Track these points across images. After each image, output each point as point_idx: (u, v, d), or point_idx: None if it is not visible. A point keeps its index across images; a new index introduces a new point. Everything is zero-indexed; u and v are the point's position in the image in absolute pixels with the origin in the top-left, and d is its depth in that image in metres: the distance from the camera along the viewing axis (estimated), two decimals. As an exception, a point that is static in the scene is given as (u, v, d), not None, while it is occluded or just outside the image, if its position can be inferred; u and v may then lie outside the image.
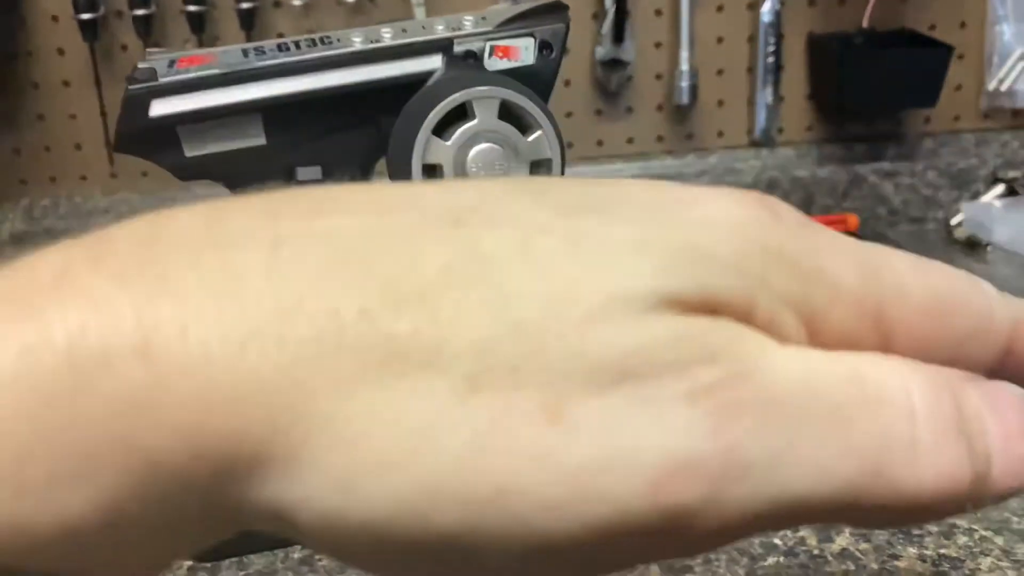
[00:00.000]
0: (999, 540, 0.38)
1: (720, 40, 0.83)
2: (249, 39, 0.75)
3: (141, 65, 0.42)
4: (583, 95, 0.83)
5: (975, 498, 0.16)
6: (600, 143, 0.84)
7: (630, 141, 0.84)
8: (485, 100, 0.41)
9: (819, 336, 0.16)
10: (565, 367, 0.14)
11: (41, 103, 0.78)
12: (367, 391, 0.14)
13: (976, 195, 0.83)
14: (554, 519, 0.14)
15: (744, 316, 0.15)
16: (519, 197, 0.16)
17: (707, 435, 0.14)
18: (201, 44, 0.76)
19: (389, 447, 0.14)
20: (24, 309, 0.14)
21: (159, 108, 0.42)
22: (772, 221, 0.17)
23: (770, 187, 0.82)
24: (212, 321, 0.14)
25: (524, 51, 0.45)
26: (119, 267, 0.14)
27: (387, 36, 0.44)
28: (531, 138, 0.41)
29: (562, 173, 0.42)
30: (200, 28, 0.76)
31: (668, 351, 0.14)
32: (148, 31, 0.75)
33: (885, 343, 0.17)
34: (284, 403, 0.14)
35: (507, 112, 0.41)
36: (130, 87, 0.41)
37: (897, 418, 0.16)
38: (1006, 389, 0.17)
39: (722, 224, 0.16)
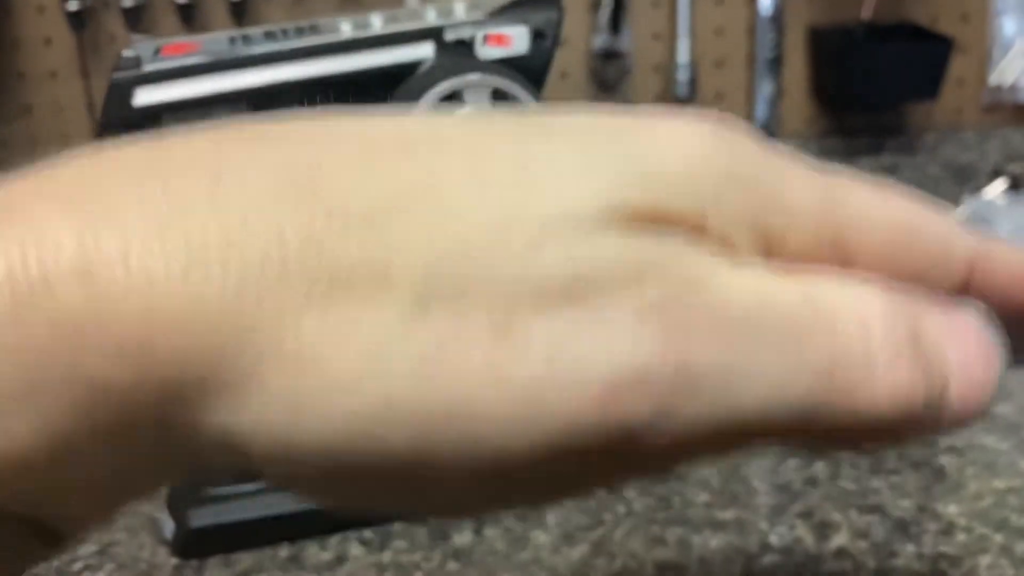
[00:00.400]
0: (998, 537, 0.37)
1: (719, 32, 0.82)
2: (240, 30, 0.74)
3: (125, 52, 0.42)
4: (580, 87, 0.82)
5: (932, 421, 0.16)
6: (597, 136, 0.83)
7: (627, 134, 0.83)
8: (476, 88, 0.40)
9: (777, 259, 0.16)
10: (514, 287, 0.14)
11: (27, 94, 0.77)
12: (315, 315, 0.14)
13: (978, 190, 0.82)
14: (505, 436, 0.14)
15: (695, 233, 0.15)
16: (469, 127, 0.16)
17: (656, 350, 0.14)
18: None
19: (339, 370, 0.14)
20: None
21: (143, 96, 0.41)
22: (730, 144, 0.16)
23: (769, 181, 0.82)
24: (154, 246, 0.14)
25: (517, 39, 0.44)
26: (62, 197, 0.14)
27: (377, 24, 0.44)
28: (523, 127, 0.41)
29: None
30: (190, 19, 0.75)
31: (617, 269, 0.14)
32: (137, 21, 0.75)
33: (845, 269, 0.17)
34: (230, 328, 0.14)
35: (500, 101, 0.40)
36: (114, 75, 0.41)
37: (852, 337, 0.16)
38: (967, 315, 0.17)
39: (676, 146, 0.16)
